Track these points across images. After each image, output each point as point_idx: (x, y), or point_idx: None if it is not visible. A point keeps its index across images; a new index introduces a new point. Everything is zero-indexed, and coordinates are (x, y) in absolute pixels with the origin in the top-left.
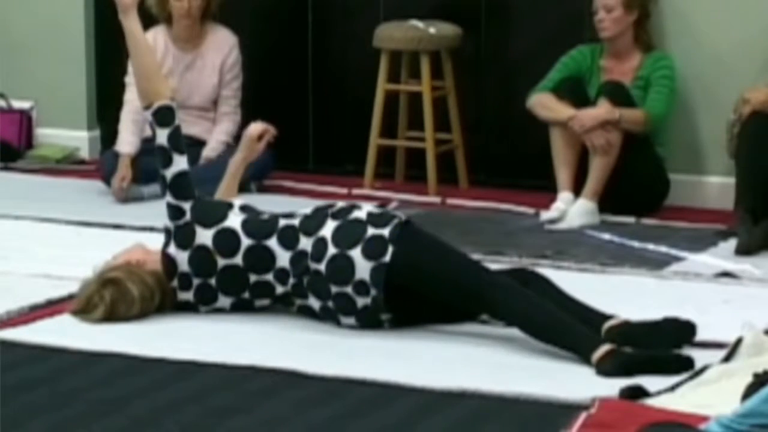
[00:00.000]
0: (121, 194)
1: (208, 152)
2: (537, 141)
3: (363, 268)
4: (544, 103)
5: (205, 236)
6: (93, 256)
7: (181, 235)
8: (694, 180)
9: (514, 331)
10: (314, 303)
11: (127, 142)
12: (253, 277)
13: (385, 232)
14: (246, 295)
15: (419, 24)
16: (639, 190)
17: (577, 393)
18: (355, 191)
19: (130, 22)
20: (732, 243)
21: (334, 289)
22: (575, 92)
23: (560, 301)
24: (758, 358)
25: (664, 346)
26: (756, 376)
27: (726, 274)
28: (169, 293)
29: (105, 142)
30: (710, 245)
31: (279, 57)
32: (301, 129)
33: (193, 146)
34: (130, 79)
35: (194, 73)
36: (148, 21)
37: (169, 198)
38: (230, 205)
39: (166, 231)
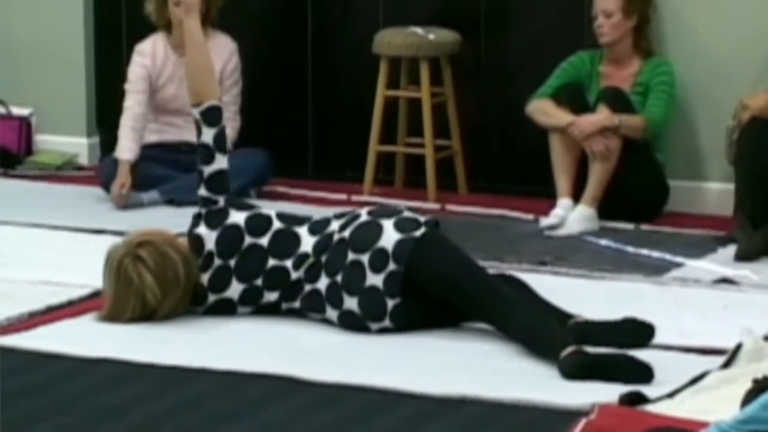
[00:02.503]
0: (121, 201)
1: None
2: (536, 147)
3: (390, 238)
4: (543, 110)
5: (238, 217)
6: (92, 262)
7: (212, 216)
8: (694, 186)
9: None
10: (322, 284)
11: (126, 149)
12: (271, 262)
13: (421, 218)
14: (258, 281)
15: (419, 30)
16: (638, 196)
17: (576, 399)
18: (355, 197)
19: (192, 21)
20: (731, 249)
21: (351, 256)
22: (574, 98)
23: (533, 303)
24: (758, 364)
25: (621, 345)
26: (755, 382)
27: (725, 281)
28: (197, 269)
29: (104, 148)
30: (709, 251)
31: (278, 63)
32: (300, 135)
33: (192, 152)
34: (129, 86)
35: None
36: (147, 28)
37: (202, 191)
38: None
39: (196, 216)
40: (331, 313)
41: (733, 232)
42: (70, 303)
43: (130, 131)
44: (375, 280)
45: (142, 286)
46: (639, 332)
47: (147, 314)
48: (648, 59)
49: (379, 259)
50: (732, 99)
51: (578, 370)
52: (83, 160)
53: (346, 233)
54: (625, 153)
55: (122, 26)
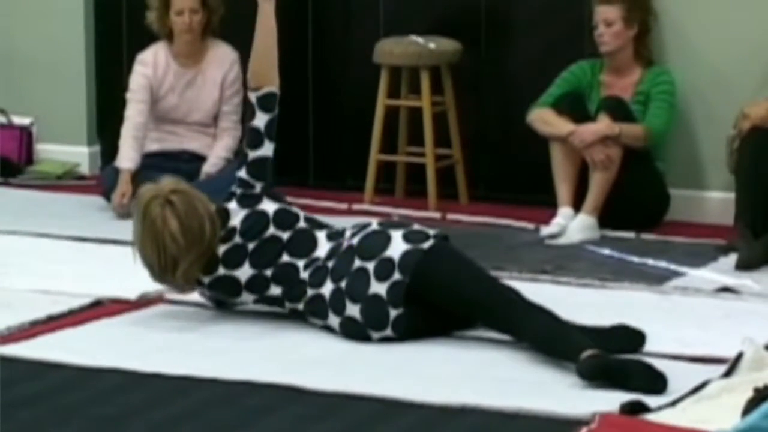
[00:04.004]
0: (122, 210)
1: (208, 168)
2: (537, 156)
3: (397, 248)
4: (544, 119)
5: (269, 206)
6: (93, 272)
7: (246, 198)
8: (694, 195)
9: (515, 347)
10: (327, 289)
11: (127, 158)
12: (285, 257)
13: (430, 231)
14: (268, 272)
15: (419, 39)
16: (639, 205)
17: (577, 408)
18: (356, 206)
19: (270, 5)
20: (732, 258)
21: (357, 263)
22: (575, 107)
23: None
24: (759, 373)
25: (612, 351)
26: (757, 390)
27: (726, 289)
28: (219, 235)
29: (105, 157)
30: (710, 260)
31: (279, 72)
32: (301, 144)
33: (193, 161)
34: (130, 96)
35: (195, 89)
36: (148, 38)
37: (242, 173)
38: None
39: (230, 193)
40: (333, 320)
41: (733, 241)
42: (71, 312)
43: (132, 140)
44: (379, 288)
45: (165, 231)
46: (630, 339)
47: (167, 266)
48: (649, 68)
49: (385, 268)
50: (732, 108)
51: (597, 372)
52: (84, 169)
53: (355, 240)
54: (626, 162)
55: (123, 35)
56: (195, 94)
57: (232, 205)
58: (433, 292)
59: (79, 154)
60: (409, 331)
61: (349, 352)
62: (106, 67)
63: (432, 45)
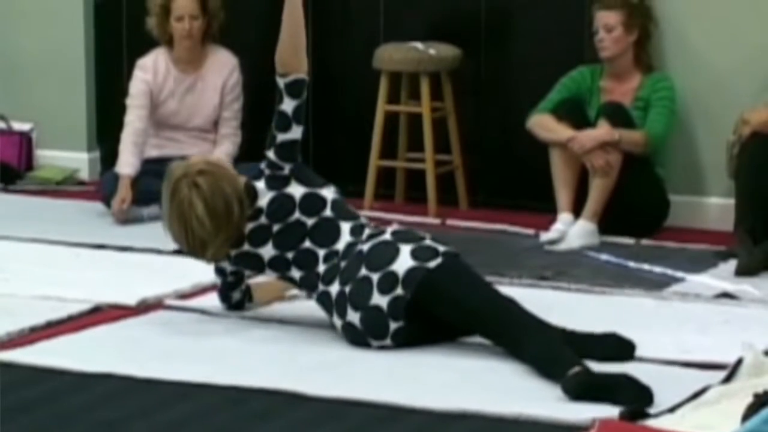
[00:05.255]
0: (121, 216)
1: None
2: (537, 162)
3: (403, 263)
4: (543, 124)
5: (297, 190)
6: (92, 277)
7: (273, 179)
8: (694, 201)
9: None
10: (334, 289)
11: (127, 164)
12: (307, 243)
13: (441, 248)
14: (290, 255)
15: (419, 45)
16: (639, 211)
17: (577, 414)
18: None
19: None
20: (732, 264)
21: (363, 271)
22: (575, 113)
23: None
24: (758, 379)
25: (602, 358)
26: (756, 396)
27: (726, 295)
28: (247, 214)
29: (105, 163)
30: (710, 266)
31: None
32: (301, 149)
33: None
34: (130, 101)
35: (195, 94)
36: (148, 43)
37: (270, 154)
38: (327, 184)
39: (259, 171)
40: (336, 321)
41: (733, 246)
42: (71, 318)
43: (131, 146)
44: (380, 300)
45: (191, 214)
46: (620, 348)
47: (196, 247)
48: (648, 74)
49: (388, 282)
50: (732, 114)
51: (580, 389)
52: (84, 175)
53: (366, 247)
54: (626, 168)
55: (123, 41)
56: (195, 99)
57: (260, 185)
58: (435, 309)
59: (79, 160)
60: (409, 342)
61: (349, 358)
62: (106, 73)
63: (432, 51)
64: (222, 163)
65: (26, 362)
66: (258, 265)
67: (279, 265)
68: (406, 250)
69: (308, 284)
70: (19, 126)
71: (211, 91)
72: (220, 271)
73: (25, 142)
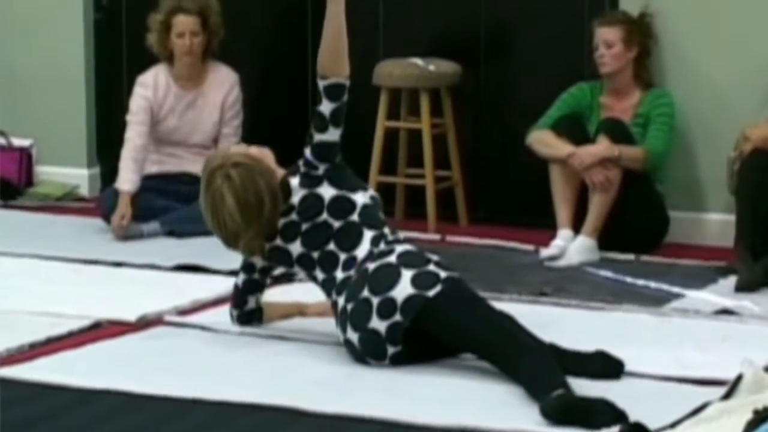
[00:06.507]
0: (121, 232)
1: None
2: (536, 178)
3: (402, 290)
4: (543, 140)
5: (327, 191)
6: (92, 293)
7: (308, 178)
8: (694, 217)
9: None
10: (340, 302)
11: (127, 180)
12: (331, 245)
13: (442, 274)
14: (315, 254)
15: (419, 61)
16: (638, 227)
17: (577, 429)
18: None
19: (339, 7)
20: (732, 280)
21: (365, 292)
22: (574, 129)
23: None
24: (758, 395)
25: (591, 376)
26: (756, 412)
27: (726, 312)
28: (281, 209)
29: (105, 179)
30: (710, 282)
31: (279, 95)
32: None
33: (193, 183)
34: (130, 118)
35: (195, 111)
36: (148, 60)
37: (307, 153)
38: (365, 188)
39: (296, 168)
40: (339, 334)
41: (733, 263)
42: (71, 334)
43: (131, 162)
44: (378, 325)
45: (222, 208)
46: (608, 366)
47: (229, 239)
48: (648, 90)
49: (387, 308)
50: (733, 130)
51: (558, 412)
52: (84, 191)
53: (372, 267)
54: (625, 184)
55: (123, 57)
56: (195, 115)
57: (294, 182)
58: (433, 334)
59: (79, 176)
60: (407, 363)
61: (350, 374)
62: (106, 89)
63: (432, 67)
64: (261, 155)
65: (26, 378)
66: (288, 261)
67: (306, 264)
68: (407, 276)
69: (327, 288)
70: (19, 142)
71: (211, 107)
72: (247, 268)
73: (25, 158)
